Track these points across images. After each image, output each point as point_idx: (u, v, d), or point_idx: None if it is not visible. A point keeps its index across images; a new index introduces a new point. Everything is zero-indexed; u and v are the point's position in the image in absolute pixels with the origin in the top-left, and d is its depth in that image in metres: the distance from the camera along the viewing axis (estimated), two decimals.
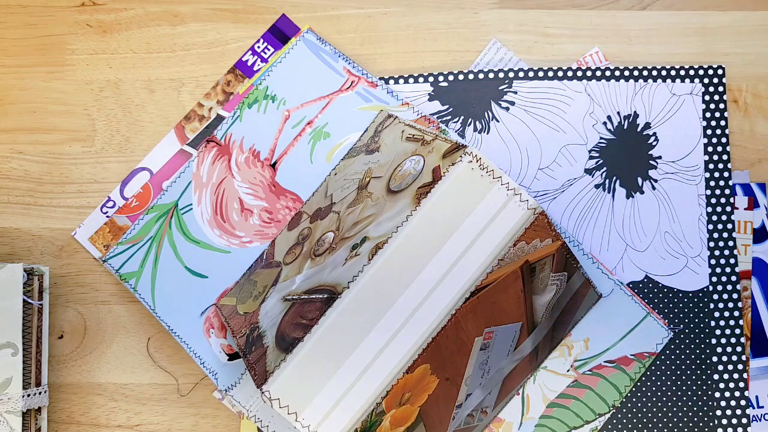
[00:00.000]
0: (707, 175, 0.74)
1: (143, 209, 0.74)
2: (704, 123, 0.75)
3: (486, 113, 0.75)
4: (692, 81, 0.75)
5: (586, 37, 0.77)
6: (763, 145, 0.76)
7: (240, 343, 0.66)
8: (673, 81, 0.75)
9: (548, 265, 0.65)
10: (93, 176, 0.76)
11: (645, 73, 0.75)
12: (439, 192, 0.62)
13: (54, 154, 0.76)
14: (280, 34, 0.77)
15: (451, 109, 0.75)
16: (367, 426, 0.62)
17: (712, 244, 0.74)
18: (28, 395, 0.68)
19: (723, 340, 0.73)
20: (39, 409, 0.71)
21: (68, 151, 0.76)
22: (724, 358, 0.73)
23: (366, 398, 0.61)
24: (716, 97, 0.75)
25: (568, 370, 0.72)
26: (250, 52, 0.77)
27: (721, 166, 0.74)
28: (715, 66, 0.75)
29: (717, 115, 0.75)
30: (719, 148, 0.75)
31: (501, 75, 0.76)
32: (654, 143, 0.75)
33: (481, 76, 0.76)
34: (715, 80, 0.75)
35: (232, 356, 0.72)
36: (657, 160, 0.75)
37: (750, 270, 0.74)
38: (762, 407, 0.73)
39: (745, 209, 0.75)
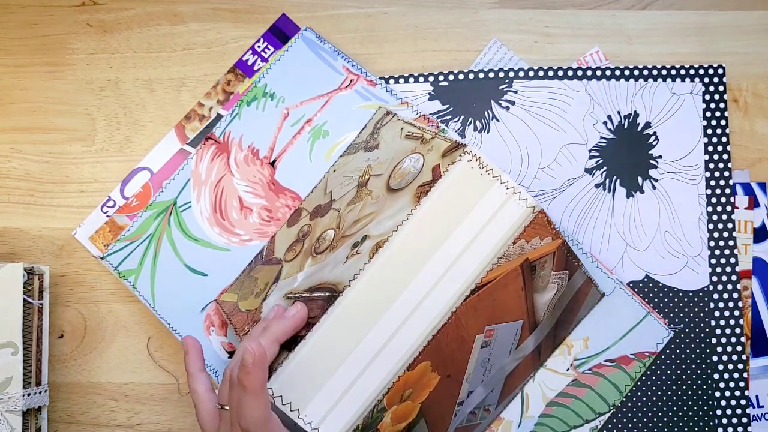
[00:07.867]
0: (707, 174, 0.74)
1: (143, 208, 0.74)
2: (704, 122, 0.75)
3: (486, 113, 0.75)
4: (692, 80, 0.75)
5: (586, 37, 0.77)
6: (763, 144, 0.76)
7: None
8: (674, 80, 0.75)
9: (548, 264, 0.65)
10: (93, 176, 0.76)
11: (645, 72, 0.75)
12: (438, 191, 0.62)
13: (54, 153, 0.76)
14: (281, 33, 0.77)
15: (451, 108, 0.75)
16: (369, 422, 0.61)
17: (712, 243, 0.74)
18: (28, 394, 0.68)
19: (723, 340, 0.73)
20: (39, 409, 0.71)
21: (68, 150, 0.76)
22: (724, 358, 0.73)
23: (367, 395, 0.61)
24: (716, 97, 0.75)
25: (567, 369, 0.72)
26: (251, 51, 0.77)
27: (721, 165, 0.74)
28: (715, 65, 0.75)
29: (717, 114, 0.75)
30: (719, 148, 0.75)
31: (501, 74, 0.76)
32: (654, 143, 0.75)
33: (481, 75, 0.76)
34: (716, 80, 0.75)
35: (233, 354, 0.72)
36: (657, 160, 0.75)
37: (750, 269, 0.74)
38: (762, 407, 0.73)
39: (745, 209, 0.75)
